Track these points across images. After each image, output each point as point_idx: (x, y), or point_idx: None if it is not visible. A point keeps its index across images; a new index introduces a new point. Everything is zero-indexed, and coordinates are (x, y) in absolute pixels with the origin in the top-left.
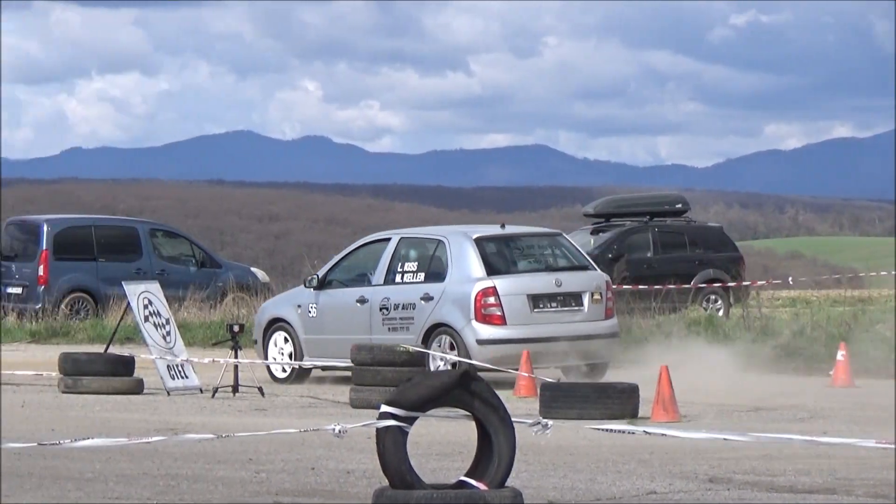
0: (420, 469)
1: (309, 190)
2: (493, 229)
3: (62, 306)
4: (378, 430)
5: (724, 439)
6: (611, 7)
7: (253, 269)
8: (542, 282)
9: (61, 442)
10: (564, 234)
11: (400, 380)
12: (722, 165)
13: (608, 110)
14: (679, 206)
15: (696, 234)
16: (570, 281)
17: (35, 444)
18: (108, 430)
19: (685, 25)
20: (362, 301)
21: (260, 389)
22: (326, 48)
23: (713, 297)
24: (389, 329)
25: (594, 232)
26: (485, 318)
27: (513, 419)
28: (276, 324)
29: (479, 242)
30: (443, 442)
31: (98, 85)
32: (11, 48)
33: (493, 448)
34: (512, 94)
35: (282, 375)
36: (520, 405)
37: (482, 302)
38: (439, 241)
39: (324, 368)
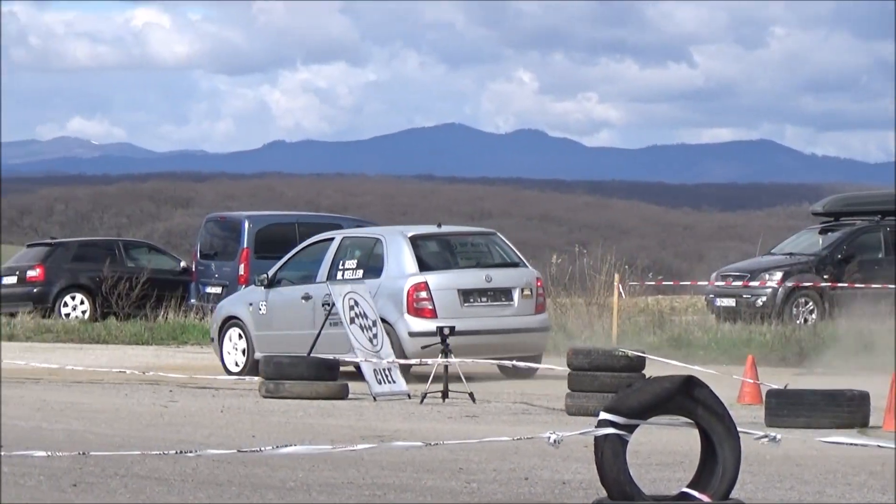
0: (640, 479)
1: (522, 186)
2: (430, 228)
3: None
4: (596, 438)
5: None
6: None
7: None
8: (473, 278)
9: (262, 449)
10: (499, 234)
11: (618, 385)
12: None
13: (838, 104)
14: None
15: None
16: (501, 277)
17: (234, 450)
18: (312, 437)
19: None
20: (307, 297)
21: (471, 395)
22: (543, 38)
23: None
24: (331, 324)
25: (822, 231)
26: (417, 312)
27: (738, 428)
28: (230, 321)
29: (414, 241)
30: (664, 451)
31: (303, 76)
32: (213, 38)
33: (718, 458)
34: (736, 87)
35: (236, 369)
36: (744, 413)
37: (414, 296)
38: (377, 240)
39: None
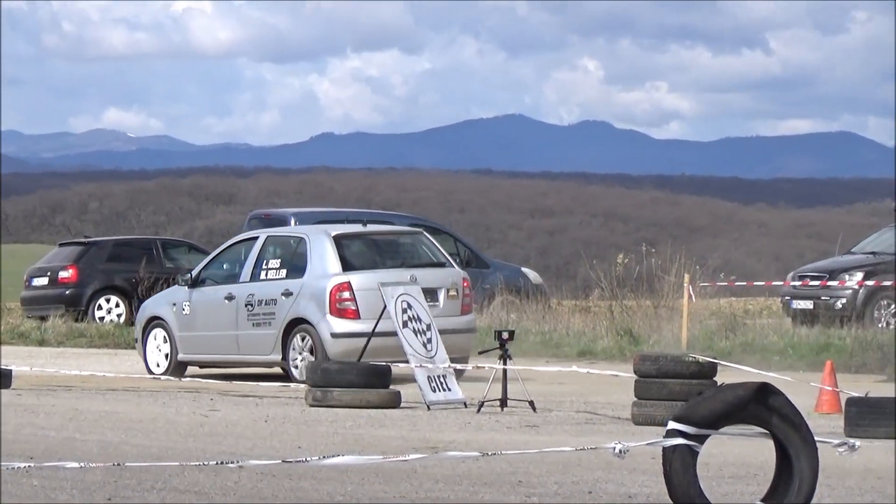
0: (711, 493)
1: (587, 181)
2: (355, 228)
3: None
4: (665, 449)
5: None
6: None
7: (524, 269)
8: (398, 277)
9: (308, 460)
10: (426, 234)
11: (688, 393)
12: None
13: None
14: None
15: None
16: (426, 277)
17: (279, 461)
18: (361, 448)
19: None
20: (230, 298)
21: (531, 404)
22: (609, 23)
23: None
24: (253, 325)
25: None
26: (339, 313)
27: (815, 438)
28: (153, 321)
29: (338, 240)
30: (736, 463)
31: (353, 64)
32: (258, 24)
33: (794, 470)
34: (815, 76)
35: (158, 371)
36: (822, 422)
37: (337, 297)
38: (301, 239)
39: (201, 366)
